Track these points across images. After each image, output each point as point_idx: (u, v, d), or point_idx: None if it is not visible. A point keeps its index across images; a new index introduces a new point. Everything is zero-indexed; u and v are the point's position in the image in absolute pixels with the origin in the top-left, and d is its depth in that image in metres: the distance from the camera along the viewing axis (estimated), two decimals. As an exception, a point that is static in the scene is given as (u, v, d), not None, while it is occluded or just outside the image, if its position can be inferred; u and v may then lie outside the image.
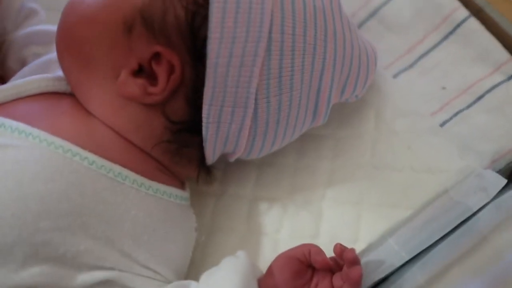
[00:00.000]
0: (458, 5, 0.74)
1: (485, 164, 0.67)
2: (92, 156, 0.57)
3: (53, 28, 0.76)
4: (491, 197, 0.64)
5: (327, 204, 0.69)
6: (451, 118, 0.70)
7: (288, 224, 0.69)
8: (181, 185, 0.66)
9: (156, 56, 0.59)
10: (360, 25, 0.78)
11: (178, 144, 0.62)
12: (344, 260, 0.59)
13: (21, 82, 0.64)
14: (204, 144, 0.62)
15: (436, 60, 0.74)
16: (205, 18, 0.58)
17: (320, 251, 0.61)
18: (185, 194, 0.65)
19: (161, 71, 0.59)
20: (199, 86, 0.59)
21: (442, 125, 0.70)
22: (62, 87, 0.65)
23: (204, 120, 0.60)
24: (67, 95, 0.65)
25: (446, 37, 0.74)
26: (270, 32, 0.58)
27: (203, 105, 0.59)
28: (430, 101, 0.72)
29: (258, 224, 0.70)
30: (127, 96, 0.60)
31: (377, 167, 0.69)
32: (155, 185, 0.61)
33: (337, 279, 0.60)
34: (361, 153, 0.71)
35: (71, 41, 0.63)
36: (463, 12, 0.74)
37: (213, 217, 0.71)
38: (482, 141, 0.68)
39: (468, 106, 0.70)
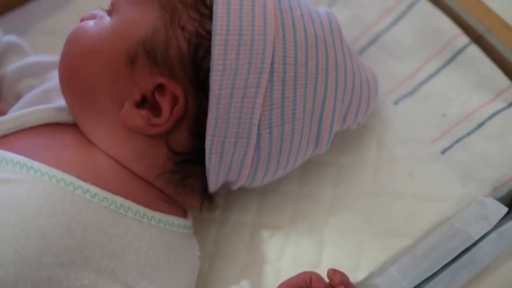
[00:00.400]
0: (459, 32, 0.75)
1: (486, 192, 0.67)
2: (94, 189, 0.58)
3: (43, 58, 0.77)
4: (492, 225, 0.64)
5: (329, 232, 0.69)
6: (452, 145, 0.70)
7: (290, 252, 0.69)
8: (184, 213, 0.66)
9: (160, 88, 0.60)
10: (361, 51, 0.78)
11: (181, 175, 0.63)
12: (332, 284, 0.60)
13: (22, 114, 0.65)
14: (207, 174, 0.63)
15: (436, 86, 0.74)
16: (207, 50, 0.58)
17: (320, 278, 0.61)
18: (188, 222, 0.66)
19: (164, 102, 0.60)
20: (202, 117, 0.60)
21: (443, 152, 0.70)
22: (64, 117, 0.66)
23: (207, 151, 0.60)
24: (69, 126, 0.66)
25: (446, 63, 0.74)
26: (272, 63, 0.59)
27: (206, 136, 0.60)
28: (431, 128, 0.72)
29: (260, 251, 0.70)
30: (131, 128, 0.61)
31: (379, 195, 0.70)
32: (157, 215, 0.61)
33: None
34: (363, 181, 0.71)
35: (74, 72, 0.64)
36: (463, 39, 0.74)
37: (215, 244, 0.71)
38: (483, 169, 0.68)
39: (469, 133, 0.70)
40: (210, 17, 0.59)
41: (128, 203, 0.59)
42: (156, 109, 0.60)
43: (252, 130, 0.60)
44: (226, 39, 0.58)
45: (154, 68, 0.60)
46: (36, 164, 0.58)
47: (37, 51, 0.85)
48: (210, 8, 0.59)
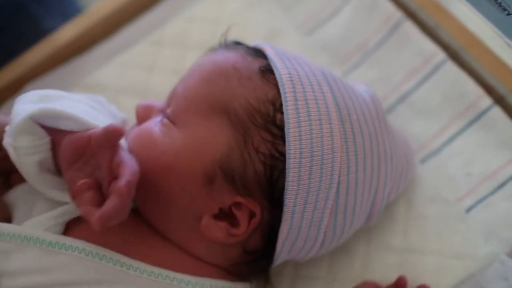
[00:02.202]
0: (482, 93, 0.79)
1: (507, 251, 0.72)
2: (187, 277, 0.64)
3: None
4: (512, 285, 0.70)
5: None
6: (476, 204, 0.75)
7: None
8: None
9: (237, 203, 0.64)
10: (390, 110, 0.83)
11: (251, 267, 0.69)
12: None
13: None
14: (274, 262, 0.69)
15: (461, 146, 0.79)
16: (281, 171, 0.62)
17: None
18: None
19: (242, 216, 0.64)
20: (275, 225, 0.64)
21: (467, 211, 0.75)
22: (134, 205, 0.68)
23: (277, 250, 0.66)
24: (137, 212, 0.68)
25: (470, 124, 0.79)
26: (339, 176, 0.63)
27: (278, 241, 0.65)
28: (456, 187, 0.77)
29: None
30: (212, 239, 0.64)
31: (408, 251, 0.75)
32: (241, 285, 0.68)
33: None
34: (393, 237, 0.77)
35: (148, 187, 0.64)
36: (486, 100, 0.79)
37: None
38: (504, 228, 0.73)
39: (492, 193, 0.75)
40: (281, 137, 0.62)
41: (216, 282, 0.65)
42: (232, 219, 0.64)
43: (319, 234, 0.65)
44: (299, 162, 0.61)
45: (232, 189, 0.63)
46: (134, 263, 0.63)
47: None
48: (280, 128, 0.62)
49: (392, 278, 0.74)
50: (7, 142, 0.64)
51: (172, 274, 0.63)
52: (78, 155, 0.62)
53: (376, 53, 0.86)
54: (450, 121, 0.80)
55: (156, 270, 0.63)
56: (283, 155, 0.62)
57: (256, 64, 0.66)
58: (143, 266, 0.63)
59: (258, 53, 0.68)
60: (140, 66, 0.93)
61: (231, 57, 0.67)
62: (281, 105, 0.62)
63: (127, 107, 0.81)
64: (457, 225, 0.75)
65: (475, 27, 0.82)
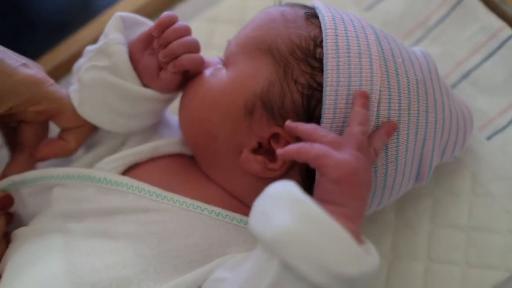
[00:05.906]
0: (551, 70, 0.78)
1: None
2: (217, 209, 0.67)
3: None
4: None
5: (428, 262, 0.75)
6: (545, 183, 0.74)
7: (392, 279, 0.75)
8: None
9: (275, 135, 0.66)
10: (453, 86, 0.82)
11: None
12: None
13: (157, 145, 0.73)
14: None
15: (529, 123, 0.78)
16: (319, 100, 0.64)
17: None
18: None
19: (279, 149, 0.64)
20: None
21: (537, 189, 0.74)
22: (187, 151, 0.74)
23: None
24: (190, 158, 0.74)
25: (538, 101, 0.78)
26: (378, 110, 0.64)
27: (316, 178, 0.64)
28: (524, 165, 0.76)
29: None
30: (249, 172, 0.67)
31: (475, 229, 0.75)
32: None
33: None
34: (459, 214, 0.76)
35: (195, 122, 0.70)
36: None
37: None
38: None
39: (562, 171, 0.75)
40: (320, 69, 0.64)
41: (245, 218, 0.67)
42: (271, 154, 0.66)
43: None
44: (336, 90, 0.63)
45: (270, 119, 0.66)
46: (169, 194, 0.67)
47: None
48: (320, 60, 0.65)
49: (458, 257, 0.74)
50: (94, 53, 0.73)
51: (203, 205, 0.67)
52: (147, 42, 0.73)
53: (437, 28, 0.84)
54: (517, 98, 0.79)
55: (189, 200, 0.67)
56: (320, 85, 0.64)
57: (302, 11, 0.69)
58: (176, 197, 0.67)
59: (308, 6, 0.71)
60: (195, 43, 0.92)
61: (281, 7, 0.71)
62: (321, 41, 0.65)
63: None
64: (526, 204, 0.74)
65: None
